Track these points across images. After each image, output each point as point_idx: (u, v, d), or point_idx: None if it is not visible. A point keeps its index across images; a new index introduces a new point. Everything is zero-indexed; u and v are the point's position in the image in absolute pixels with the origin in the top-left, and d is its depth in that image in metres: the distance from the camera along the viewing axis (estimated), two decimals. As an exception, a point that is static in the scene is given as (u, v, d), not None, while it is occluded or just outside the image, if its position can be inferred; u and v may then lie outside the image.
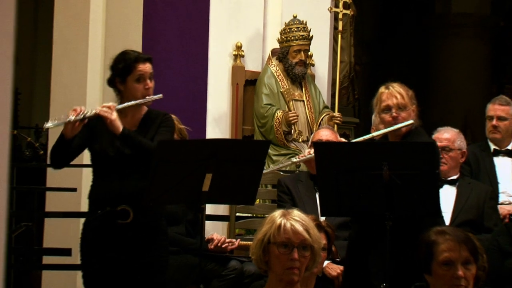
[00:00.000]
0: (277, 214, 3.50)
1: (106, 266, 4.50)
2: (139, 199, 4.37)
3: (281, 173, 6.31)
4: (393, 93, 4.85)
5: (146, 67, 4.60)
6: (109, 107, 4.51)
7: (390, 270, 4.33)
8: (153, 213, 4.57)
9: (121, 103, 4.62)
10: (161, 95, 4.66)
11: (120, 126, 4.48)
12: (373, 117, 6.00)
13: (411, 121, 4.82)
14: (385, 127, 4.84)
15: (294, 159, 4.66)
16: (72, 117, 4.42)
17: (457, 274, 3.39)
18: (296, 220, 3.44)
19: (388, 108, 4.85)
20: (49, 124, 4.48)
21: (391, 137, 4.88)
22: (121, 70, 4.61)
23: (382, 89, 4.93)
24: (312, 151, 4.78)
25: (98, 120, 4.52)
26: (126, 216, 4.50)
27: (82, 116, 4.43)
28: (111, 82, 4.69)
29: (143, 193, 4.31)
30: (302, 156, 4.67)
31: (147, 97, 4.59)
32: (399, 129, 4.79)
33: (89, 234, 4.61)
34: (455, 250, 3.42)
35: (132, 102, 4.59)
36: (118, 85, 4.64)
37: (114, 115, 4.49)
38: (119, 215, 4.50)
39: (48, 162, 7.26)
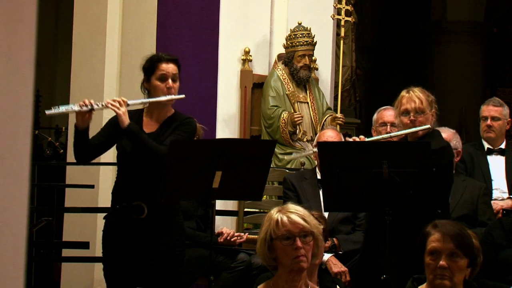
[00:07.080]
0: (274, 211, 3.50)
1: (124, 258, 4.44)
2: (153, 195, 4.32)
3: (287, 170, 6.31)
4: (413, 97, 4.79)
5: (168, 67, 4.49)
6: (119, 101, 4.40)
7: (389, 262, 4.32)
8: (168, 209, 4.47)
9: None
10: (183, 95, 4.54)
11: (126, 121, 4.37)
12: (374, 117, 5.98)
13: (427, 126, 4.76)
14: (403, 129, 4.81)
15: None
16: (76, 108, 4.31)
17: (440, 264, 3.44)
18: (291, 212, 3.45)
19: (406, 112, 4.81)
20: (50, 111, 4.32)
21: (409, 138, 4.85)
22: (146, 69, 4.54)
23: (403, 92, 4.86)
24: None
25: None
26: (140, 211, 4.44)
27: (89, 107, 4.31)
28: (142, 83, 4.60)
29: (157, 190, 4.25)
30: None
31: (167, 96, 4.47)
32: (415, 132, 4.76)
33: (107, 228, 4.57)
34: (440, 241, 3.47)
35: (147, 100, 4.51)
36: (145, 84, 4.56)
37: (122, 110, 4.38)
38: (134, 210, 4.44)
39: (68, 160, 7.29)
